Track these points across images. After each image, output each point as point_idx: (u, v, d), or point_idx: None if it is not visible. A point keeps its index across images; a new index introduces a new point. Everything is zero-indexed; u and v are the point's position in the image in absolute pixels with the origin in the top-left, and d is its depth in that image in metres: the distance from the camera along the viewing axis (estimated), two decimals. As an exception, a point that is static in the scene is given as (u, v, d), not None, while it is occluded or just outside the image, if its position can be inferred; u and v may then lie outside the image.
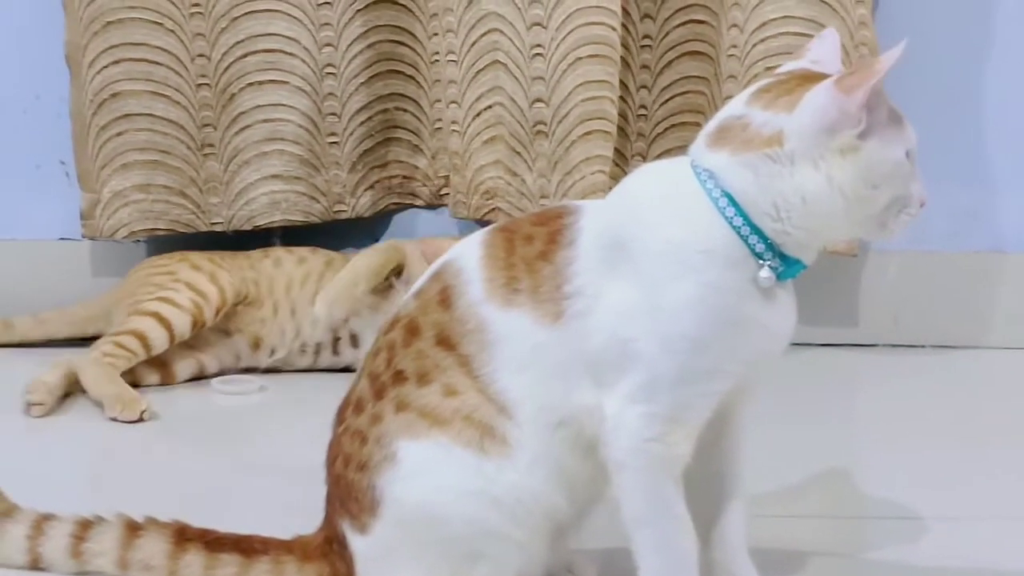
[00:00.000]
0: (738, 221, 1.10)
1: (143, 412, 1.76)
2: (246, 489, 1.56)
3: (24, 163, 2.09)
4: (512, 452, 1.13)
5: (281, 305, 1.96)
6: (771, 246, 1.10)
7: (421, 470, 1.14)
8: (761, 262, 1.10)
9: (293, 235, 2.06)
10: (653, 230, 1.11)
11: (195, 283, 1.90)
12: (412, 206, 2.12)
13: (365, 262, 1.90)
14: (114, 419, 1.75)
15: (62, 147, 2.05)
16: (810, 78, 1.12)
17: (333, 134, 2.04)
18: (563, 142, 1.93)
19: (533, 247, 1.15)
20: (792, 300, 1.14)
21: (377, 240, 2.10)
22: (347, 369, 1.94)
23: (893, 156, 1.10)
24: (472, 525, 1.13)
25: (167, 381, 1.92)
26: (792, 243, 1.11)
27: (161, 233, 2.04)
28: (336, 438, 1.20)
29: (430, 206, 2.10)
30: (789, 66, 1.17)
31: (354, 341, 1.95)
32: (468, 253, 1.18)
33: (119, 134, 2.00)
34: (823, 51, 1.17)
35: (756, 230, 1.10)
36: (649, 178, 1.16)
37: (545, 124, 1.93)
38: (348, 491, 1.18)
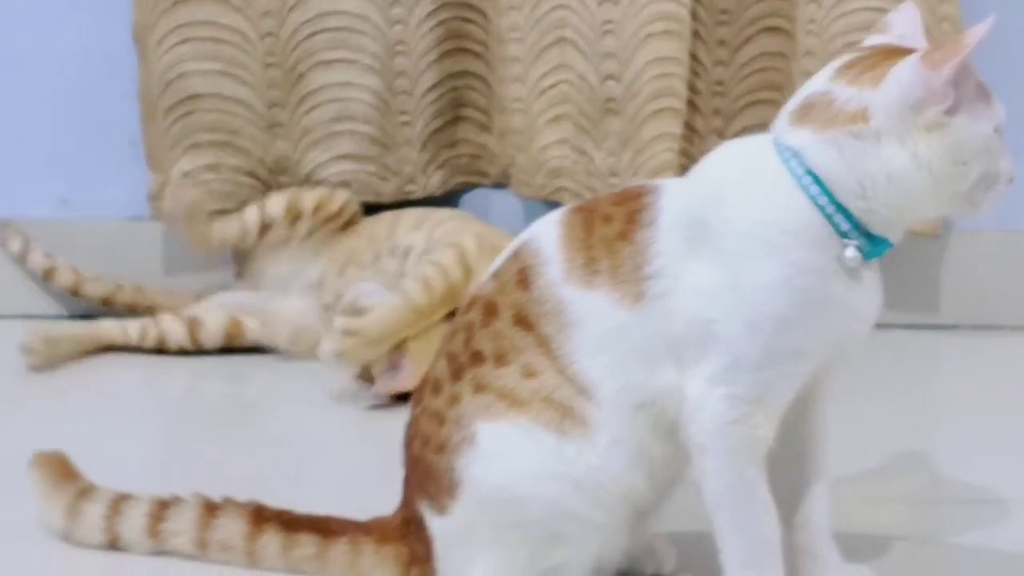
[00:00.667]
0: (823, 200, 1.09)
1: None
2: (318, 468, 1.58)
3: (95, 143, 2.10)
4: (592, 433, 1.13)
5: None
6: (857, 225, 1.10)
7: (500, 452, 1.14)
8: (846, 241, 1.10)
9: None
10: (736, 209, 1.11)
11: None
12: (480, 185, 2.12)
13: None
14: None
15: (132, 127, 2.06)
16: (895, 53, 1.11)
17: (404, 112, 2.04)
18: (634, 119, 1.92)
19: (612, 227, 1.15)
20: (878, 280, 1.13)
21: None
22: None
23: (981, 132, 1.09)
24: (551, 507, 1.13)
25: None
26: (878, 221, 1.10)
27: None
28: (414, 419, 1.21)
29: (498, 185, 2.10)
30: (872, 40, 1.16)
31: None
32: (546, 232, 1.18)
33: (187, 114, 2.01)
34: (905, 26, 1.16)
35: (841, 209, 1.09)
36: (731, 157, 1.16)
37: (616, 101, 1.93)
38: (426, 473, 1.18)
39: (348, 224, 2.01)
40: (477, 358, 1.16)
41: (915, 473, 1.53)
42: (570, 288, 1.14)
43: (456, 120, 2.07)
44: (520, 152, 2.01)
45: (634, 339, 1.13)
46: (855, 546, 1.26)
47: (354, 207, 2.02)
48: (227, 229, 2.00)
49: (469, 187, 2.11)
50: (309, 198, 2.00)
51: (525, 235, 1.20)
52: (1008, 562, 1.31)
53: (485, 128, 2.08)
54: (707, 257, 1.11)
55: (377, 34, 2.00)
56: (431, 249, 1.84)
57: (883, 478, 1.50)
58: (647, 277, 1.12)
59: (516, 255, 1.19)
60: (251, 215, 1.99)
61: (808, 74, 1.89)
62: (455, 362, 1.18)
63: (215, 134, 2.02)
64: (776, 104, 2.01)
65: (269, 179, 2.05)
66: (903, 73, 1.08)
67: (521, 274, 1.17)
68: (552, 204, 2.01)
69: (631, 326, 1.13)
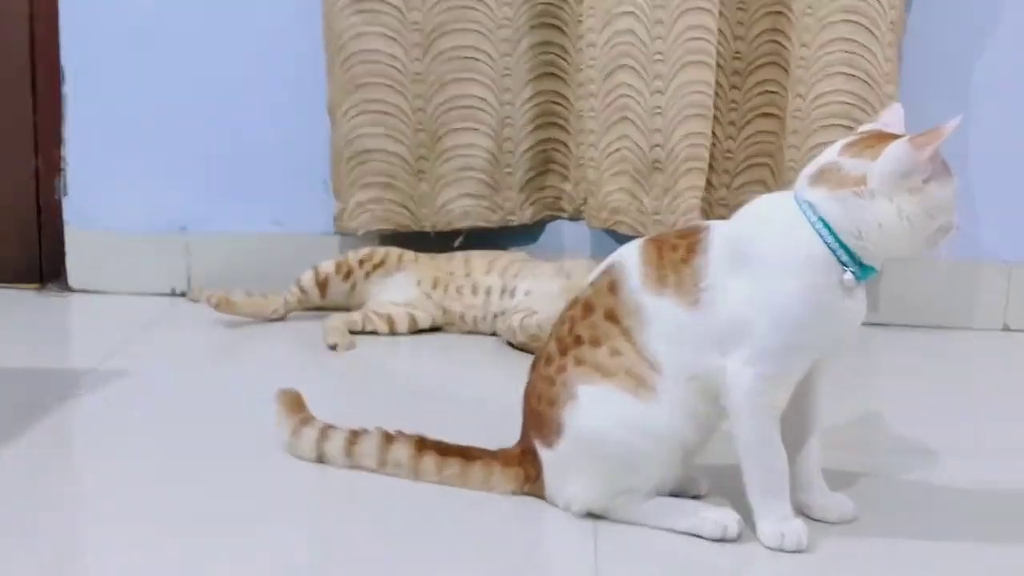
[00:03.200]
0: (829, 239, 1.06)
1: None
2: (460, 415, 1.53)
3: (299, 181, 2.08)
4: (658, 397, 1.10)
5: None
6: (853, 256, 1.06)
7: (593, 406, 1.12)
8: (845, 268, 1.06)
9: (477, 235, 2.03)
10: (768, 244, 1.08)
11: None
12: (559, 218, 2.08)
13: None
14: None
15: (324, 170, 2.02)
16: (884, 137, 1.07)
17: (508, 166, 2.00)
18: (672, 175, 1.88)
19: (677, 253, 1.12)
20: (864, 296, 1.10)
21: (535, 240, 2.06)
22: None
23: (944, 195, 1.05)
24: (628, 447, 1.11)
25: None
26: (868, 255, 1.07)
27: (387, 231, 2.01)
28: (531, 382, 1.18)
29: (572, 218, 2.06)
30: (865, 127, 1.12)
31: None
32: (628, 256, 1.15)
33: (361, 163, 1.97)
34: (892, 119, 1.12)
35: (843, 245, 1.06)
36: (765, 207, 1.13)
37: (660, 163, 1.89)
38: (540, 419, 1.16)
39: (398, 263, 1.90)
40: (578, 341, 1.14)
41: (874, 431, 1.48)
42: (646, 295, 1.12)
43: (544, 172, 2.03)
44: (591, 196, 1.97)
45: (690, 332, 1.10)
46: (837, 481, 1.23)
47: (395, 253, 1.91)
48: (286, 295, 1.88)
49: (551, 219, 2.07)
50: (354, 256, 1.90)
51: (613, 257, 1.17)
52: (934, 492, 1.28)
53: (565, 178, 2.04)
54: (745, 276, 1.08)
55: (492, 111, 1.97)
56: (506, 289, 1.83)
57: (857, 433, 1.46)
58: (701, 289, 1.09)
59: (607, 271, 1.16)
60: (307, 276, 1.88)
61: (792, 147, 1.88)
62: (562, 343, 1.15)
63: (379, 177, 1.98)
64: (767, 167, 1.99)
65: (415, 210, 2.00)
66: (896, 150, 1.04)
67: (611, 284, 1.14)
68: (610, 233, 1.98)
69: (688, 323, 1.10)
